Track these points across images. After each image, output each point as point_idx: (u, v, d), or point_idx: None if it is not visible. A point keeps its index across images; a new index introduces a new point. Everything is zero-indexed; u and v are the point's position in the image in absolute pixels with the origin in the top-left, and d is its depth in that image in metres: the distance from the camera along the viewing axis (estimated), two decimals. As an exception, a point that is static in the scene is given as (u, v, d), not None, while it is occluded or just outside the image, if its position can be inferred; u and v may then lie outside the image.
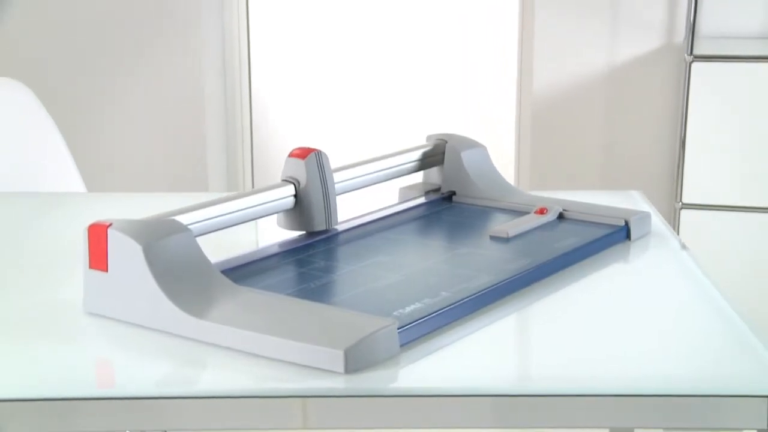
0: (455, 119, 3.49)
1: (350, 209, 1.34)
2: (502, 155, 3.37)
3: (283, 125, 3.49)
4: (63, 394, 0.85)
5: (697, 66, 2.57)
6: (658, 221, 1.31)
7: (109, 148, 3.06)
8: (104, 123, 3.04)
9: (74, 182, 2.01)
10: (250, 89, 3.23)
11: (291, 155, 1.17)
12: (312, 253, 1.13)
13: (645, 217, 1.25)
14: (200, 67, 2.99)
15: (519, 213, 1.29)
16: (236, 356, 0.91)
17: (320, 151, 1.17)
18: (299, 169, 1.16)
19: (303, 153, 1.17)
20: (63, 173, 2.00)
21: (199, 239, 1.22)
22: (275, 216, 1.19)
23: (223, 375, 0.88)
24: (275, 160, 3.40)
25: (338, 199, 1.41)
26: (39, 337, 0.96)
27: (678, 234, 2.60)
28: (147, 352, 0.92)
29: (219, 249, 1.20)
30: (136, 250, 0.96)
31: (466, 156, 1.35)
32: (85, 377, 0.89)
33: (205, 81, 3.01)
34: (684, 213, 2.63)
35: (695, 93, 2.60)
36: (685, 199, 2.63)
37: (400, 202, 1.33)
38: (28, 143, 1.98)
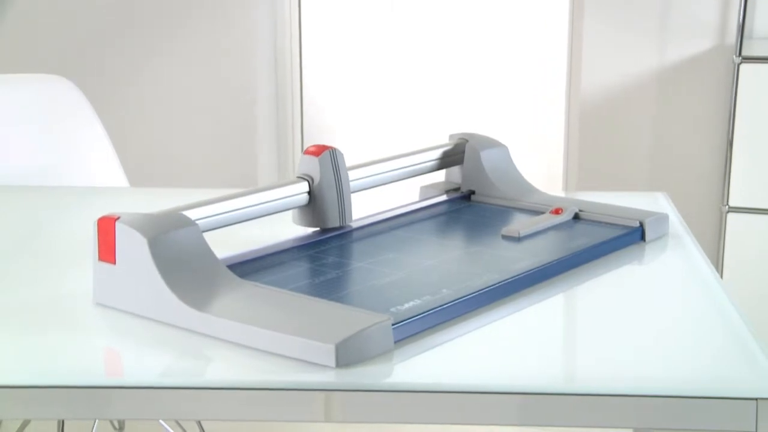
0: (504, 120, 3.48)
1: (369, 207, 1.35)
2: (551, 156, 3.35)
3: (334, 122, 3.51)
4: (72, 382, 0.88)
5: (745, 67, 2.54)
6: (677, 223, 1.31)
7: (160, 145, 3.11)
8: (155, 120, 3.09)
9: (117, 177, 2.05)
10: (301, 88, 3.26)
11: (306, 152, 1.19)
12: (323, 249, 1.15)
13: (661, 218, 1.24)
14: (251, 63, 3.02)
15: (537, 213, 1.29)
16: (235, 348, 0.92)
17: (335, 148, 1.19)
18: (313, 167, 1.18)
19: (318, 150, 1.18)
20: (106, 168, 2.04)
21: (218, 233, 1.25)
22: (291, 212, 1.21)
23: (220, 367, 0.90)
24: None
25: (358, 196, 1.42)
26: (49, 328, 0.98)
27: (724, 237, 2.57)
28: (151, 343, 0.94)
29: (239, 244, 1.22)
30: (141, 243, 0.98)
31: (486, 155, 1.35)
32: (93, 367, 0.91)
33: (256, 78, 3.04)
34: (730, 216, 2.60)
35: (743, 95, 2.56)
36: (732, 203, 2.60)
37: (418, 201, 1.34)
38: (73, 139, 2.02)
